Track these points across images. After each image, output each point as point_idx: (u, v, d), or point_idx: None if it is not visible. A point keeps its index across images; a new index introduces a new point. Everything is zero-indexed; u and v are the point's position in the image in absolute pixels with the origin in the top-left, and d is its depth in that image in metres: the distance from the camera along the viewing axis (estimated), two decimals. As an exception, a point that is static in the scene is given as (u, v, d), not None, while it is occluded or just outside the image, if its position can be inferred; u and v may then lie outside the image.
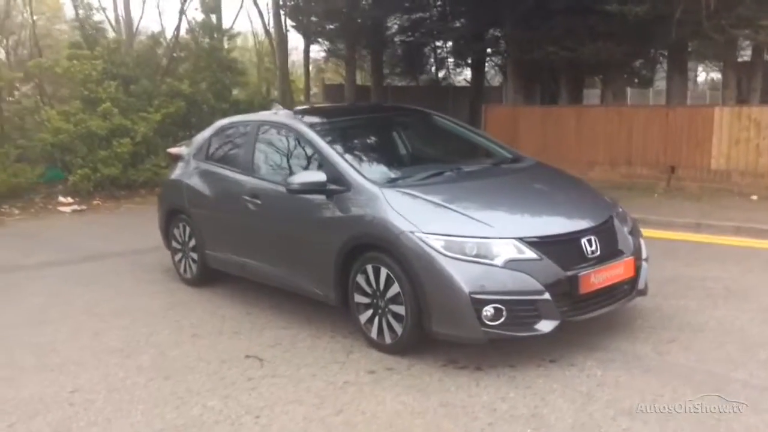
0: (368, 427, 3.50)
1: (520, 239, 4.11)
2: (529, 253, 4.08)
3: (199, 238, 6.16)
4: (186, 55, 14.67)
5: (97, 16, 15.64)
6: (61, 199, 12.51)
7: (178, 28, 14.63)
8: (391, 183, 4.66)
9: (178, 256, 6.56)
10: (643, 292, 4.64)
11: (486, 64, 20.31)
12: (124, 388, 4.17)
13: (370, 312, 4.50)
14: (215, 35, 14.66)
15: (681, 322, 4.82)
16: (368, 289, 4.47)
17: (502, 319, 3.99)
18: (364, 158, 5.09)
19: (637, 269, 4.55)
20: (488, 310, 3.96)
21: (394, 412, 3.66)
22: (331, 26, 17.38)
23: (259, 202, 5.35)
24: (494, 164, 5.33)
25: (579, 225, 4.36)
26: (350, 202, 4.60)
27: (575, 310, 4.19)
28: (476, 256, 4.03)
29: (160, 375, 4.34)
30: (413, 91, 21.32)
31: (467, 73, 22.73)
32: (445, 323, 4.11)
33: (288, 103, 15.92)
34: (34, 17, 17.11)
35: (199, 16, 14.66)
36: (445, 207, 4.36)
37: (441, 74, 23.44)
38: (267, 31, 19.09)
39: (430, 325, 4.15)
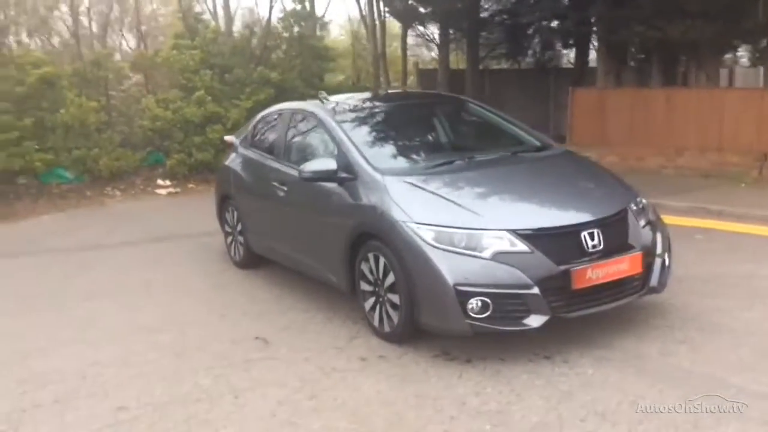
0: (332, 414, 3.58)
1: (513, 231, 4.01)
2: (521, 246, 3.98)
3: (243, 223, 6.43)
4: (278, 43, 15.09)
5: (199, 7, 16.33)
6: (160, 182, 13.32)
7: (269, 18, 15.07)
8: (396, 172, 4.66)
9: (229, 239, 6.87)
10: (655, 290, 4.40)
11: (590, 45, 19.49)
12: (136, 363, 4.46)
13: (372, 300, 4.56)
14: (305, 23, 15.00)
15: (703, 323, 4.53)
16: (371, 277, 4.52)
17: (489, 313, 3.93)
18: (379, 146, 5.11)
19: (649, 265, 4.32)
20: (474, 303, 3.91)
21: (364, 400, 3.71)
22: (424, 10, 17.28)
23: (285, 188, 5.51)
24: (515, 153, 5.19)
25: (580, 217, 4.19)
26: (357, 190, 4.66)
27: (569, 306, 4.05)
28: (465, 247, 3.98)
29: (173, 352, 4.61)
30: (512, 74, 20.79)
31: (573, 54, 21.92)
32: (432, 315, 4.10)
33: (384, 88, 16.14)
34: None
35: (292, 5, 15.01)
36: (443, 197, 4.32)
37: (546, 56, 22.71)
38: (363, 17, 19.26)
39: (420, 316, 4.15)
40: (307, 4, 15.25)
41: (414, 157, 5.08)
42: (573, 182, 4.79)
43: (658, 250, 4.43)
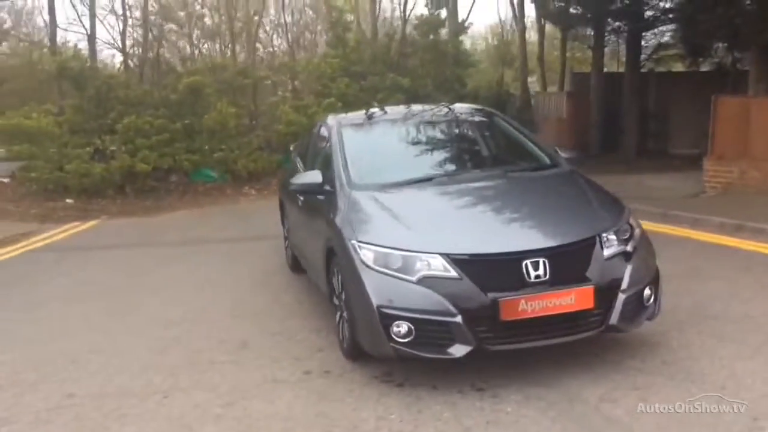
0: (228, 423, 3.67)
1: (447, 255, 3.85)
2: (451, 272, 3.81)
3: (287, 228, 6.74)
4: (414, 50, 15.32)
5: (350, 16, 17.01)
6: (292, 183, 14.14)
7: (404, 26, 15.33)
8: (371, 187, 4.62)
9: (285, 243, 7.21)
10: (616, 328, 3.98)
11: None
12: (135, 350, 4.89)
13: (338, 314, 4.60)
14: (441, 30, 15.09)
15: (679, 368, 4.01)
16: (337, 292, 4.57)
17: (412, 338, 3.82)
18: (372, 161, 5.08)
19: (609, 301, 3.92)
20: (399, 327, 3.82)
21: (270, 413, 3.76)
22: (576, 11, 16.56)
23: (301, 198, 5.70)
24: (508, 171, 4.92)
25: (525, 245, 3.89)
26: (332, 204, 4.71)
27: (498, 338, 3.81)
28: (398, 269, 3.89)
29: (169, 346, 4.96)
30: (683, 77, 19.17)
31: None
32: (364, 335, 4.06)
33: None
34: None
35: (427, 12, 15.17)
36: (394, 216, 4.24)
37: (729, 58, 20.67)
38: (515, 17, 18.87)
39: (356, 335, 4.14)
40: (444, 11, 15.30)
41: (399, 171, 4.96)
42: (545, 206, 4.46)
43: (625, 285, 3.98)
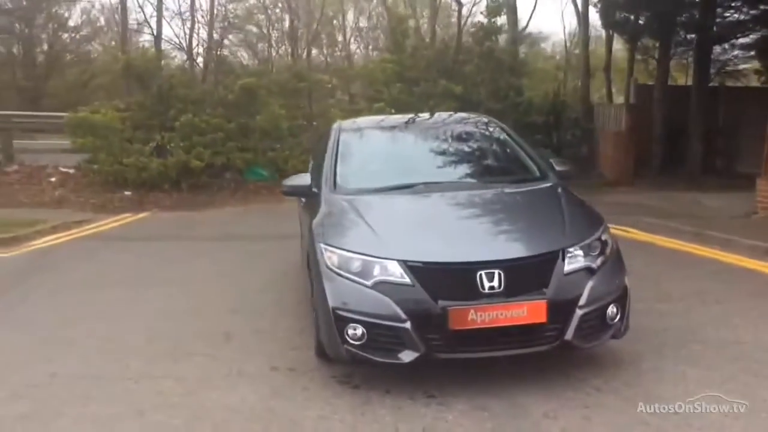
0: (178, 411, 3.83)
1: (404, 262, 3.91)
2: (405, 278, 3.87)
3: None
4: (469, 57, 15.29)
5: (411, 22, 17.14)
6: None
7: (459, 33, 15.31)
8: (350, 191, 4.74)
9: (301, 243, 7.38)
10: (570, 344, 3.92)
11: None
12: (127, 338, 5.16)
13: (314, 314, 4.71)
14: (497, 37, 15.00)
15: (638, 391, 3.91)
16: (310, 293, 4.68)
17: (364, 341, 3.90)
18: (361, 165, 5.19)
19: (562, 316, 3.87)
20: (353, 329, 3.90)
21: (221, 405, 3.89)
22: (642, 21, 16.13)
23: (303, 200, 5.85)
24: (491, 181, 4.92)
25: (480, 256, 3.90)
26: (315, 206, 4.84)
27: (448, 347, 3.83)
28: (357, 273, 3.97)
29: (159, 336, 5.19)
30: (755, 92, 18.32)
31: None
32: (323, 336, 4.15)
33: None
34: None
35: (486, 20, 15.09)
36: (363, 221, 4.32)
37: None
38: (579, 25, 18.48)
39: (319, 335, 4.24)
40: (503, 18, 15.21)
41: (383, 178, 5.02)
42: (513, 219, 4.45)
43: (583, 301, 3.92)
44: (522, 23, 16.86)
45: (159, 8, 16.63)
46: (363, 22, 31.68)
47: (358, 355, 3.94)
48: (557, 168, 5.22)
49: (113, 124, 13.64)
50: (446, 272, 3.88)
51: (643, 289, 5.94)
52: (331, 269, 4.06)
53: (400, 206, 4.56)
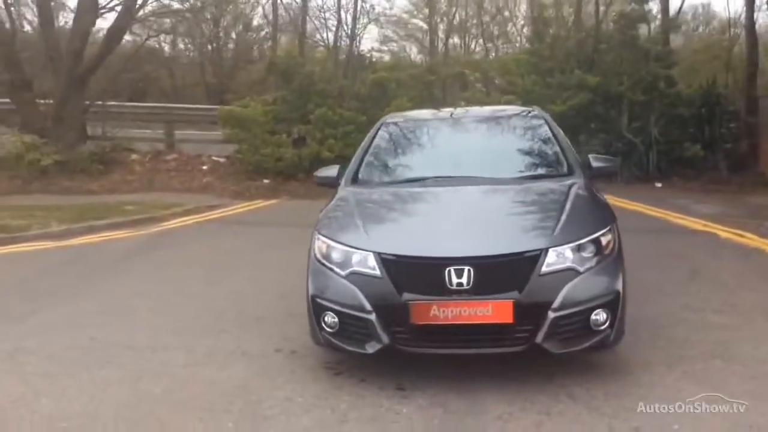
0: (168, 381, 4.18)
1: (379, 254, 3.96)
2: (376, 270, 3.92)
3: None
4: (610, 47, 14.47)
5: (551, 11, 16.59)
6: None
7: (597, 20, 14.48)
8: (365, 184, 4.89)
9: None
10: (541, 348, 3.74)
11: None
12: (173, 313, 5.63)
13: None
14: (640, 26, 14.07)
15: (614, 404, 3.65)
16: None
17: (337, 329, 4.02)
18: (388, 158, 5.27)
19: (533, 318, 3.72)
20: (328, 317, 4.04)
21: (205, 379, 4.15)
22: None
23: None
24: (505, 177, 4.75)
25: (451, 251, 3.84)
26: (332, 197, 5.00)
27: (412, 340, 3.83)
28: (337, 263, 4.09)
29: (199, 314, 5.55)
30: None
31: None
32: (309, 322, 4.30)
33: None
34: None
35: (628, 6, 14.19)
36: (359, 213, 4.41)
37: None
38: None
39: (309, 322, 4.39)
40: (650, 5, 14.25)
41: (401, 170, 5.08)
42: (506, 215, 4.30)
43: (556, 304, 3.73)
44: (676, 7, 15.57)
45: (304, 7, 17.53)
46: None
47: (332, 343, 4.06)
48: (594, 164, 4.98)
49: (257, 116, 14.63)
50: (416, 266, 3.88)
51: (708, 298, 5.54)
52: (317, 258, 4.21)
53: (399, 200, 4.60)
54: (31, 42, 16.39)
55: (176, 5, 16.85)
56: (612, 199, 11.33)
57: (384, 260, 3.91)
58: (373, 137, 5.46)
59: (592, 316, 3.81)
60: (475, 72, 15.95)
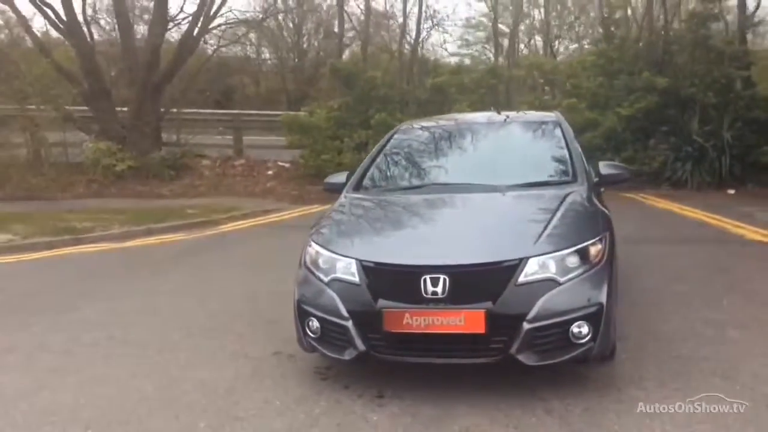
0: (160, 377, 4.35)
1: (359, 261, 3.99)
2: (355, 277, 3.94)
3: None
4: (681, 47, 13.87)
5: (620, 12, 16.07)
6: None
7: (666, 19, 13.86)
8: (364, 189, 4.92)
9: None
10: (515, 359, 3.65)
11: None
12: (192, 314, 5.83)
13: None
14: (711, 25, 13.41)
15: (588, 423, 3.54)
16: None
17: (319, 335, 4.06)
18: (395, 165, 5.27)
19: (507, 329, 3.64)
20: (312, 323, 4.09)
21: (198, 379, 4.24)
22: None
23: None
24: (504, 185, 4.65)
25: (428, 260, 3.81)
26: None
27: (388, 348, 3.83)
28: (321, 269, 4.12)
29: (215, 314, 5.74)
30: None
31: None
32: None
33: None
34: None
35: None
36: (348, 219, 4.49)
37: None
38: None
39: None
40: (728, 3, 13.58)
41: (403, 178, 5.09)
42: (491, 223, 4.21)
43: (531, 315, 3.63)
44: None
45: (367, 14, 17.69)
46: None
47: (316, 348, 4.11)
48: (603, 172, 4.83)
49: (319, 122, 14.89)
50: (393, 274, 3.87)
51: (736, 312, 5.30)
52: (305, 264, 4.27)
53: (390, 207, 4.60)
54: (111, 53, 17.23)
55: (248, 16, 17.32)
56: (674, 207, 11.10)
57: (365, 267, 3.92)
58: (384, 145, 5.49)
59: (573, 329, 3.68)
60: (542, 74, 15.60)
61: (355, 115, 15.17)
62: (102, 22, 18.74)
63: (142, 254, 8.84)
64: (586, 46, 28.32)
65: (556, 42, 28.72)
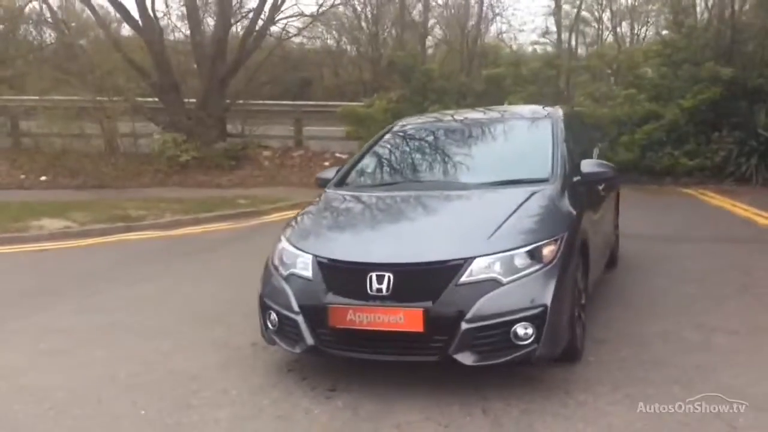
0: (139, 365, 4.55)
1: (315, 257, 4.07)
2: (308, 272, 4.03)
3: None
4: (749, 35, 13.09)
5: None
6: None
7: (732, 8, 13.06)
8: (344, 186, 5.00)
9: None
10: (453, 358, 3.64)
11: None
12: (198, 302, 6.08)
13: None
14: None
15: (526, 422, 3.49)
16: None
17: (277, 328, 4.18)
18: (381, 160, 5.30)
19: (447, 328, 3.63)
20: (271, 315, 4.22)
21: (169, 369, 4.43)
22: None
23: None
24: (475, 182, 4.62)
25: (375, 257, 3.85)
26: (322, 199, 5.15)
27: (334, 343, 3.90)
28: (284, 264, 4.23)
29: (226, 304, 5.95)
30: None
31: None
32: (262, 320, 4.47)
33: None
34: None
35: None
36: (316, 216, 4.59)
37: None
38: None
39: None
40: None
41: (383, 175, 5.13)
42: (444, 221, 4.24)
43: (470, 315, 3.60)
44: None
45: (426, 4, 17.59)
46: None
47: (275, 341, 4.23)
48: (585, 170, 4.72)
49: (375, 114, 14.98)
50: (343, 271, 3.93)
51: (736, 317, 5.10)
52: (271, 259, 4.39)
53: (357, 204, 4.66)
54: (181, 47, 17.87)
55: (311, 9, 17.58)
56: (728, 204, 10.53)
57: (320, 263, 4.00)
58: (376, 141, 5.53)
59: (518, 330, 3.64)
60: (605, 64, 15.07)
61: (411, 107, 15.12)
62: (173, 17, 19.40)
63: (182, 243, 9.17)
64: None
65: (643, 29, 27.64)
